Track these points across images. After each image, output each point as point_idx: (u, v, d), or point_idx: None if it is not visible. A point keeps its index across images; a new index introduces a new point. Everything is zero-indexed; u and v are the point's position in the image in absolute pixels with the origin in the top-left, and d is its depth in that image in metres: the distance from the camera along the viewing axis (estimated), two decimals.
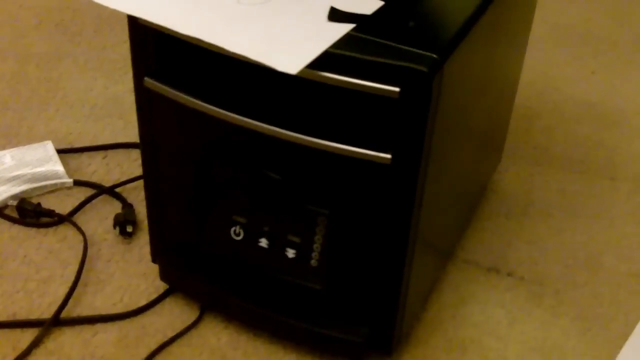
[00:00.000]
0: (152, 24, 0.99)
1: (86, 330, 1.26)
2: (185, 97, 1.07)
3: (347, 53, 0.95)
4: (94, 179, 1.52)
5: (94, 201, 1.48)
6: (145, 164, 1.21)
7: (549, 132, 1.72)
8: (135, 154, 1.58)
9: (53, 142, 1.57)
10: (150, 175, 1.22)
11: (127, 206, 1.45)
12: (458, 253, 1.43)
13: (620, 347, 1.28)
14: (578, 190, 1.58)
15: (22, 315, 1.28)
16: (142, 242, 1.40)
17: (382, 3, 1.02)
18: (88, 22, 1.95)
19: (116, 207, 1.45)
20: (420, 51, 0.94)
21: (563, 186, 1.59)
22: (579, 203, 1.56)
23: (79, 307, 1.29)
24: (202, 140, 1.13)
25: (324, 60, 0.93)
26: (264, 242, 1.17)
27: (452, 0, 1.06)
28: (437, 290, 1.36)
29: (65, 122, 1.66)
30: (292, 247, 1.16)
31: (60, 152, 1.55)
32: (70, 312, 1.28)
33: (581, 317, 1.33)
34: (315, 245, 1.14)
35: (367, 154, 1.00)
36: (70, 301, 1.29)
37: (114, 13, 1.01)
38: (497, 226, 1.49)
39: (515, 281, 1.39)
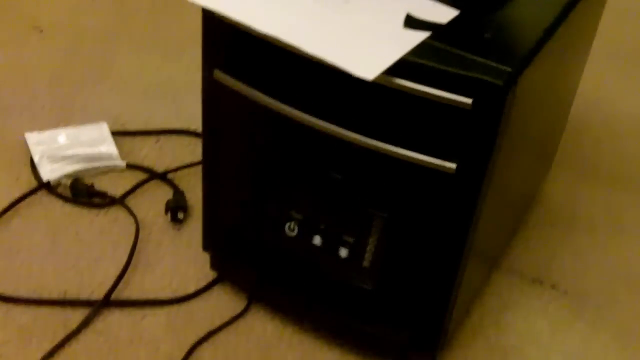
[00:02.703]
0: (229, 19, 1.00)
1: (135, 313, 1.28)
2: (254, 92, 1.08)
3: (423, 62, 0.96)
4: (146, 163, 1.54)
5: (145, 185, 1.49)
6: (205, 151, 1.23)
7: (598, 146, 1.72)
8: (187, 141, 1.59)
9: (106, 121, 1.59)
10: (210, 164, 1.24)
11: (179, 192, 1.46)
12: (503, 261, 1.44)
13: None
14: (624, 206, 1.58)
15: (72, 293, 1.30)
16: (193, 229, 1.42)
17: (458, 12, 1.03)
18: (141, 4, 1.97)
19: (167, 193, 1.47)
20: (496, 64, 0.95)
21: (609, 201, 1.59)
22: (624, 219, 1.56)
23: (128, 289, 1.31)
24: (267, 136, 1.14)
25: (399, 68, 0.94)
26: (317, 240, 1.19)
27: (528, 13, 1.07)
28: (481, 297, 1.37)
29: (119, 101, 1.68)
30: (345, 247, 1.17)
31: (114, 134, 1.57)
32: (119, 293, 1.31)
33: (622, 332, 1.34)
34: (368, 247, 1.16)
35: (432, 162, 1.01)
36: (120, 283, 1.31)
37: (193, 4, 1.01)
38: (543, 237, 1.50)
39: (558, 294, 1.39)
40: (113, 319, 1.27)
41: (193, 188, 1.48)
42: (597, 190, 1.61)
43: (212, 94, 1.15)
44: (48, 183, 1.46)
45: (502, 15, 1.06)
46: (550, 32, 1.03)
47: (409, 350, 1.23)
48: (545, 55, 1.04)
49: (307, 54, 0.95)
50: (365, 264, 1.17)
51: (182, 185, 1.49)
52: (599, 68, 1.93)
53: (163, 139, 1.60)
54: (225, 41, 1.09)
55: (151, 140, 1.59)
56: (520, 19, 1.06)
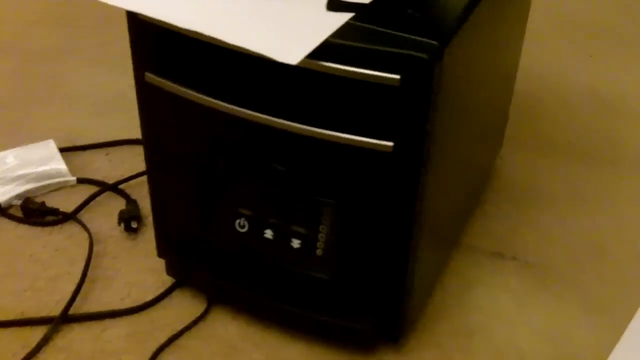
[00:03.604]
0: (151, 18, 0.99)
1: (95, 326, 1.27)
2: (187, 91, 1.07)
3: (347, 42, 0.95)
4: (98, 176, 1.53)
5: (98, 198, 1.48)
6: (148, 159, 1.22)
7: (550, 119, 1.73)
8: (138, 150, 1.57)
9: (56, 139, 1.58)
10: (154, 171, 1.23)
11: (131, 202, 1.45)
12: (462, 239, 1.43)
13: (624, 328, 1.29)
14: (581, 177, 1.59)
15: (30, 313, 1.28)
16: (148, 237, 1.41)
17: None
18: (89, 17, 1.96)
19: (120, 204, 1.46)
20: (421, 38, 0.94)
21: (566, 172, 1.59)
22: (582, 189, 1.56)
23: (87, 304, 1.30)
24: (205, 133, 1.13)
25: (324, 50, 0.94)
26: (269, 234, 1.18)
27: None
28: (442, 276, 1.37)
29: (68, 119, 1.67)
30: (297, 238, 1.17)
31: (63, 150, 1.56)
32: (78, 308, 1.29)
33: (587, 301, 1.34)
34: (320, 235, 1.15)
35: (369, 142, 1.00)
36: (78, 298, 1.30)
37: (114, 7, 1.01)
38: (501, 212, 1.50)
39: (520, 265, 1.39)
40: (73, 334, 1.26)
41: (146, 196, 1.46)
42: (554, 162, 1.61)
43: (146, 97, 1.14)
44: None
45: None
46: (474, 3, 1.03)
47: (372, 337, 1.23)
48: (473, 27, 1.04)
49: (230, 46, 0.94)
50: (319, 252, 1.17)
51: (135, 194, 1.48)
52: (549, 43, 1.94)
53: (113, 151, 1.59)
54: (153, 43, 1.08)
55: (101, 153, 1.58)
56: None
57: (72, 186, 1.51)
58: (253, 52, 0.93)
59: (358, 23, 0.97)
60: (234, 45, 0.94)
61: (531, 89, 1.79)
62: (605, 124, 1.72)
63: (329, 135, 1.01)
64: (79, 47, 1.88)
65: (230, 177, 1.16)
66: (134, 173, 1.52)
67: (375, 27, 0.97)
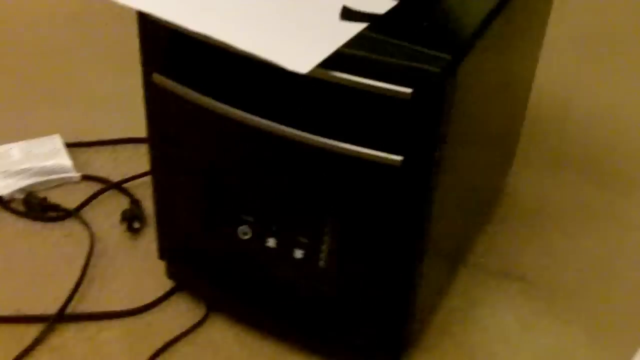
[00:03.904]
0: (162, 20, 0.97)
1: (91, 327, 1.25)
2: (194, 94, 1.05)
3: (359, 53, 0.93)
4: (102, 173, 1.51)
5: (101, 196, 1.47)
6: (153, 160, 1.20)
7: (563, 136, 1.70)
8: (144, 149, 1.56)
9: (62, 135, 1.56)
10: (158, 172, 1.21)
11: (135, 202, 1.43)
12: (469, 257, 1.41)
13: (631, 355, 1.26)
14: (592, 196, 1.56)
15: (26, 309, 1.27)
16: (149, 238, 1.39)
17: (396, 2, 1.00)
18: (99, 14, 1.94)
19: (123, 203, 1.44)
20: (434, 52, 0.92)
21: (576, 191, 1.57)
22: (592, 208, 1.53)
23: (84, 303, 1.28)
24: (211, 138, 1.11)
25: (336, 60, 0.92)
26: (271, 242, 1.16)
27: (468, 1, 1.04)
28: (447, 294, 1.34)
29: (75, 115, 1.65)
30: (300, 248, 1.14)
31: (68, 146, 1.54)
32: (75, 308, 1.27)
33: (593, 325, 1.31)
34: (323, 247, 1.13)
35: (377, 156, 0.98)
36: (75, 297, 1.28)
37: (124, 6, 0.99)
38: (509, 230, 1.47)
39: (526, 286, 1.37)
40: (68, 334, 1.24)
41: (150, 197, 1.43)
42: (563, 180, 1.59)
43: (153, 98, 1.12)
44: (1, 198, 1.43)
45: (441, 4, 1.04)
46: (490, 18, 1.01)
47: (373, 353, 1.20)
48: (487, 42, 1.01)
49: (241, 51, 0.92)
50: (322, 264, 1.14)
51: (139, 194, 1.46)
52: (563, 58, 1.92)
53: (119, 149, 1.57)
54: (162, 44, 1.07)
55: (107, 150, 1.57)
56: (459, 7, 1.03)
57: (76, 182, 1.49)
58: (262, 59, 0.91)
59: (371, 34, 0.95)
60: (243, 51, 0.92)
61: (544, 106, 1.76)
62: (617, 143, 1.69)
63: (337, 146, 0.99)
64: (89, 43, 1.86)
65: (235, 183, 1.14)
66: (139, 172, 1.50)
67: (388, 39, 0.94)
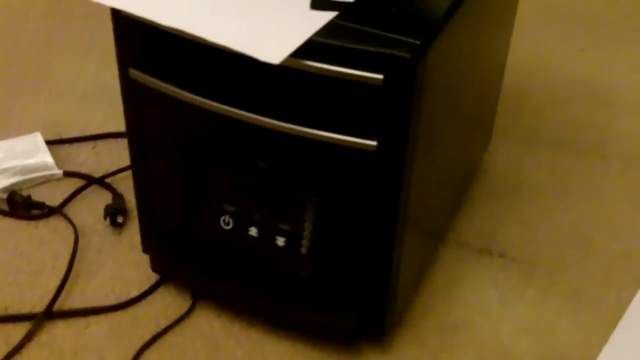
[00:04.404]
0: (134, 15, 0.98)
1: (78, 322, 1.26)
2: (171, 87, 1.06)
3: (330, 41, 0.94)
4: (84, 169, 1.52)
5: (84, 192, 1.47)
6: (132, 154, 1.21)
7: (539, 112, 1.72)
8: (125, 143, 1.54)
9: (42, 131, 1.56)
10: (139, 166, 1.22)
11: (118, 196, 1.44)
12: (449, 235, 1.43)
13: (613, 326, 1.29)
14: (569, 170, 1.58)
15: (13, 308, 1.28)
16: (133, 232, 1.40)
17: None
18: (75, 8, 1.94)
19: (106, 198, 1.45)
20: (403, 37, 0.93)
21: (554, 166, 1.59)
22: (570, 182, 1.55)
23: (71, 299, 1.29)
24: (189, 130, 1.12)
25: (307, 49, 0.93)
26: (253, 231, 1.17)
27: None
28: (429, 273, 1.36)
29: (54, 111, 1.65)
30: (281, 235, 1.16)
31: (49, 143, 1.55)
32: (62, 304, 1.28)
33: (573, 297, 1.34)
34: (304, 233, 1.14)
35: (352, 141, 1.00)
36: (62, 293, 1.29)
37: (97, 3, 1.00)
38: (488, 207, 1.49)
39: (507, 262, 1.39)
40: (56, 330, 1.25)
41: (132, 191, 1.44)
42: (541, 156, 1.61)
43: (130, 93, 1.13)
44: None
45: None
46: (459, 1, 1.02)
47: (356, 334, 1.22)
48: (457, 25, 1.03)
49: (214, 44, 0.93)
50: (303, 250, 1.16)
51: (122, 188, 1.47)
52: (536, 34, 1.93)
53: (100, 144, 1.58)
54: (137, 39, 1.07)
55: (88, 146, 1.57)
56: None
57: (59, 179, 1.50)
58: (235, 51, 0.92)
59: (342, 22, 0.96)
60: (215, 44, 0.93)
61: (519, 82, 1.78)
62: (593, 117, 1.71)
63: (312, 133, 1.00)
64: (66, 38, 1.86)
65: (214, 173, 1.15)
66: (120, 166, 1.51)
67: (358, 26, 0.96)
